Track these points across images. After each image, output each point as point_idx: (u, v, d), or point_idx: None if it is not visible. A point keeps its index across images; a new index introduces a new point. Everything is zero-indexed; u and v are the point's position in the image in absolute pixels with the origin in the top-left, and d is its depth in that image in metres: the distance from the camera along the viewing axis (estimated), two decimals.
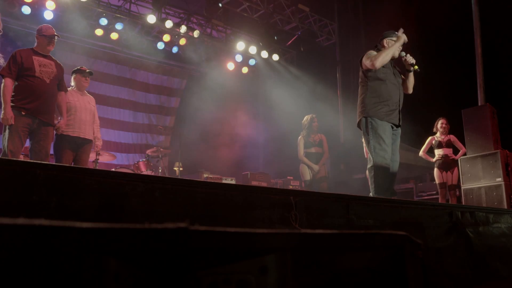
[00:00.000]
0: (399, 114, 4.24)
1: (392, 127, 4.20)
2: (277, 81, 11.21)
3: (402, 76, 4.44)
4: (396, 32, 4.36)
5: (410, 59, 4.29)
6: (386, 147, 4.06)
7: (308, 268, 0.82)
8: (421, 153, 7.01)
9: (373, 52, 4.26)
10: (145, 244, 0.65)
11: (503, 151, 6.20)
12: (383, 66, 4.17)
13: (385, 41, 4.35)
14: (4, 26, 4.18)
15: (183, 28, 9.25)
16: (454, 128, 6.98)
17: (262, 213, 2.19)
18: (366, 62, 4.19)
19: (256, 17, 10.03)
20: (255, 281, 0.76)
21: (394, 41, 4.30)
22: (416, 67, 4.30)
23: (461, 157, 6.61)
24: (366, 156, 6.94)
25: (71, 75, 5.21)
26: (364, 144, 6.94)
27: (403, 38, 4.27)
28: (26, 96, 4.38)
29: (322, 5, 11.28)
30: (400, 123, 4.26)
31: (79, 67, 5.26)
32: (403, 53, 4.33)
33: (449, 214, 3.28)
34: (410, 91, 4.46)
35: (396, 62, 4.48)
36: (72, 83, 5.18)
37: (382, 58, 4.12)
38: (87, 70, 5.21)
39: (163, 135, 10.34)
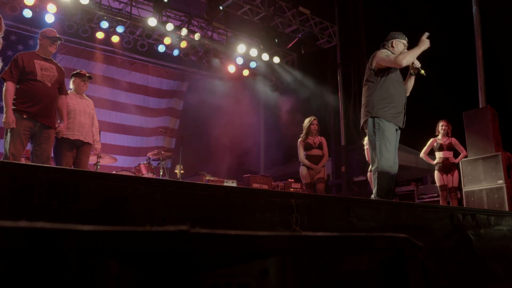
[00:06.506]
0: (404, 117, 4.19)
1: (396, 130, 4.16)
2: (278, 83, 11.23)
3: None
4: (402, 34, 4.32)
5: (417, 63, 4.21)
6: (392, 149, 4.01)
7: (309, 271, 0.82)
8: (422, 154, 7.00)
9: (388, 52, 4.12)
10: (146, 247, 0.66)
11: (504, 153, 6.20)
12: (394, 68, 4.11)
13: (394, 42, 4.25)
14: (5, 29, 4.18)
15: (184, 31, 9.26)
16: (455, 130, 6.98)
17: (263, 216, 2.19)
18: (386, 60, 4.05)
19: (257, 20, 10.05)
20: (255, 284, 0.76)
21: (404, 43, 4.23)
22: (422, 71, 4.23)
23: (462, 159, 6.60)
24: (367, 159, 6.94)
25: (70, 79, 5.22)
26: (365, 147, 6.95)
27: (427, 43, 4.09)
28: (27, 99, 4.38)
29: (323, 8, 11.31)
30: (404, 126, 4.22)
31: (78, 71, 5.26)
32: None
33: (450, 216, 3.28)
34: (408, 94, 4.42)
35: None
36: (71, 87, 5.18)
37: (410, 58, 4.02)
38: (86, 74, 5.21)
39: (168, 137, 10.34)
